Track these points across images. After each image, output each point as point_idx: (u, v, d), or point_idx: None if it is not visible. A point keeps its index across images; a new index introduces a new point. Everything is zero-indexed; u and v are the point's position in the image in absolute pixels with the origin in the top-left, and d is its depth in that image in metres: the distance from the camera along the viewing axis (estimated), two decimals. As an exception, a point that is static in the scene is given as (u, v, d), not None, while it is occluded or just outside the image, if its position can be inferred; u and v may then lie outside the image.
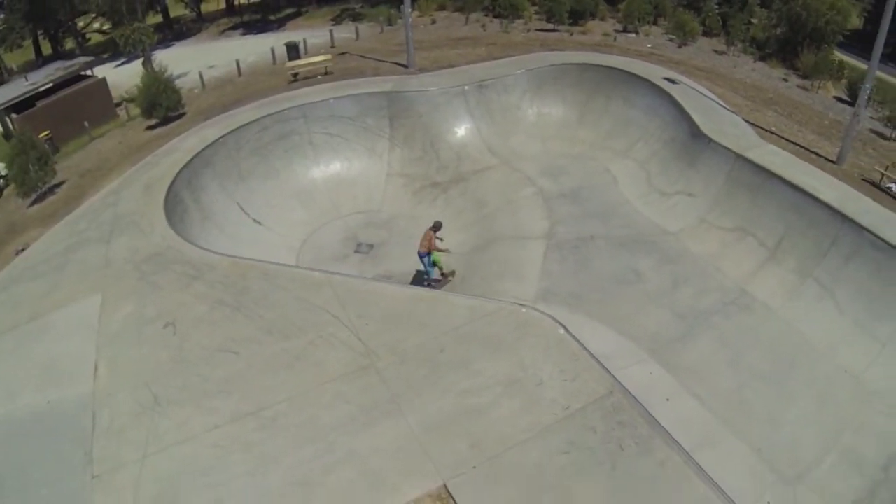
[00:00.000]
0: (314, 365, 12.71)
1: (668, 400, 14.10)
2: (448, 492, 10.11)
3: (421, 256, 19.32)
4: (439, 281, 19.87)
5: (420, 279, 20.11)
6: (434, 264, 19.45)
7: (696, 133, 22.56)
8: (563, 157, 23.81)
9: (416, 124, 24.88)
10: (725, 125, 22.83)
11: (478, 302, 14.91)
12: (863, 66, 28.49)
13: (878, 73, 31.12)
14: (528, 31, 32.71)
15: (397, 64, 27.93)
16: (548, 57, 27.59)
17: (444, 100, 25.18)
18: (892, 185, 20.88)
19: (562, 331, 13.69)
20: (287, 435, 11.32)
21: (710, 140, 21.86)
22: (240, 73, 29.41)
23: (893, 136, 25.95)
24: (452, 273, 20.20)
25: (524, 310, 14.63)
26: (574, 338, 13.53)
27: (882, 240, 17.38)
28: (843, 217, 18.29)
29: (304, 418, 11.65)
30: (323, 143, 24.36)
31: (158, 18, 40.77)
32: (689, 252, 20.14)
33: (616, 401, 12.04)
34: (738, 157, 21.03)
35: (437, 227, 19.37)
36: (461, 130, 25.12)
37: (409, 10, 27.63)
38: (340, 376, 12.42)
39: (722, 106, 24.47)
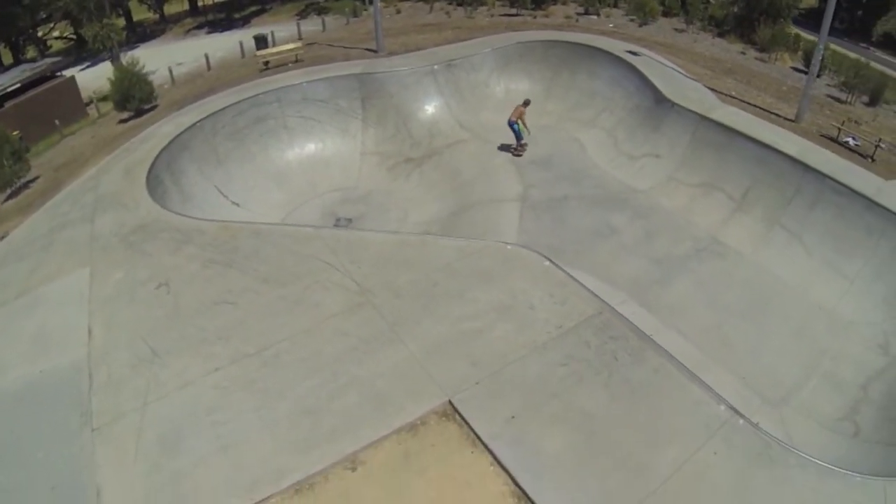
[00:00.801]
0: (312, 307, 12.69)
1: (652, 335, 14.04)
2: (454, 407, 10.26)
3: (511, 125, 22.92)
4: (523, 146, 23.47)
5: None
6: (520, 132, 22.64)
7: (659, 99, 23.23)
8: (531, 128, 23.79)
9: (387, 104, 25.07)
10: (687, 91, 23.49)
11: (464, 242, 14.91)
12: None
13: (835, 47, 32.44)
14: (492, 15, 33.14)
15: (367, 49, 28.02)
16: (513, 37, 27.96)
17: (413, 79, 25.40)
18: (849, 139, 21.67)
19: (547, 263, 14.01)
20: (289, 370, 11.27)
21: (674, 104, 22.60)
22: (209, 67, 29.22)
23: (848, 99, 26.79)
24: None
25: (509, 247, 14.95)
26: (560, 268, 13.86)
27: (842, 185, 18.29)
28: (805, 167, 19.14)
29: (305, 353, 11.59)
30: (297, 126, 24.45)
31: (121, 22, 40.14)
32: (660, 207, 20.73)
33: (606, 319, 12.39)
34: (702, 118, 21.76)
35: (527, 103, 23.04)
36: (432, 108, 25.37)
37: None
38: (339, 314, 12.42)
39: (683, 74, 25.10)
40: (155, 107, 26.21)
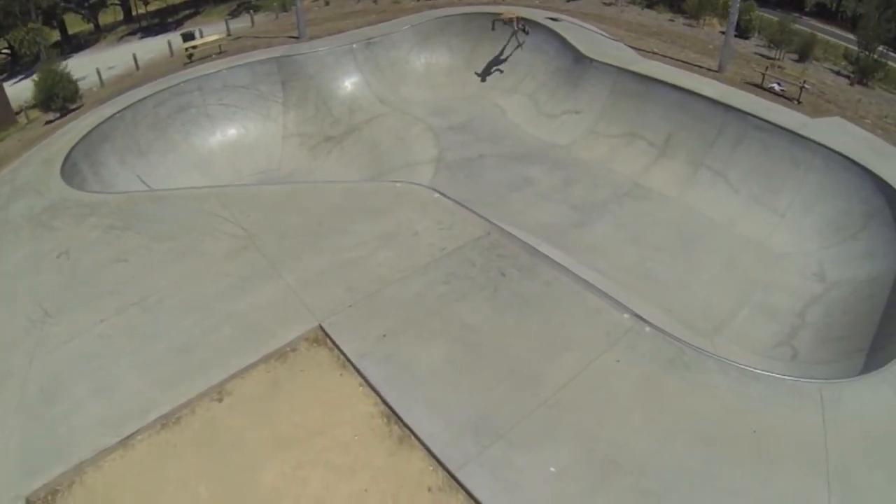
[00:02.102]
0: (199, 255, 11.98)
1: None
2: (324, 331, 9.65)
3: None
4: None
5: None
6: None
7: (578, 58, 22.06)
8: (452, 99, 22.75)
9: (307, 86, 23.59)
10: (607, 49, 22.34)
11: (355, 185, 14.83)
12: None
13: (767, 15, 30.82)
14: (418, 0, 31.25)
15: (290, 37, 26.35)
16: (434, 13, 26.32)
17: (332, 59, 23.92)
18: (774, 84, 20.67)
19: (437, 195, 13.42)
20: (169, 313, 10.51)
21: (592, 60, 21.44)
22: (138, 68, 27.48)
23: (776, 56, 25.94)
24: None
25: (399, 184, 14.36)
26: (449, 198, 13.24)
27: (765, 121, 17.48)
28: (727, 107, 18.24)
29: (186, 296, 10.88)
30: (219, 113, 22.90)
31: (55, 35, 38.27)
32: (579, 159, 19.41)
33: (494, 239, 11.76)
34: (621, 70, 20.63)
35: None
36: (351, 86, 23.81)
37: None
38: (223, 258, 11.74)
39: (604, 36, 24.01)
40: (80, 106, 24.12)
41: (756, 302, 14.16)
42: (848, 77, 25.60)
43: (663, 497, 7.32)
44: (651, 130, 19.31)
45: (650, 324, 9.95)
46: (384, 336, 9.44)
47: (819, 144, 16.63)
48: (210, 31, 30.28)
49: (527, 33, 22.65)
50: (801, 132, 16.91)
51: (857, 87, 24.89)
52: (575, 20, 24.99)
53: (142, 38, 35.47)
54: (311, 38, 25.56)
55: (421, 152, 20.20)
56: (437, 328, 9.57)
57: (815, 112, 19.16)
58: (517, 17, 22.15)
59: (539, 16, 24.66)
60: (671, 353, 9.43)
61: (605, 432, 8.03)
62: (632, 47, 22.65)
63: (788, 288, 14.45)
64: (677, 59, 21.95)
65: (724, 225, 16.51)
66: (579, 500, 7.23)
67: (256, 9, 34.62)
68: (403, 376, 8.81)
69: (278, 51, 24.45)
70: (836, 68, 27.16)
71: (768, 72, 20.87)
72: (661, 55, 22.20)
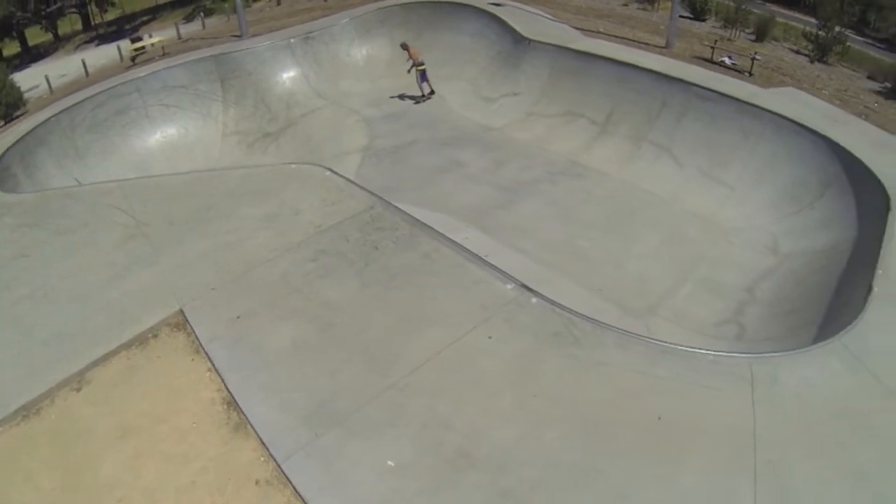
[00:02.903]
0: (91, 247, 11.04)
1: (486, 256, 11.15)
2: (184, 316, 8.78)
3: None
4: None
5: None
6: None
7: (518, 40, 20.34)
8: (392, 90, 21.06)
9: (246, 83, 22.06)
10: (548, 30, 20.61)
11: (251, 169, 14.05)
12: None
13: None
14: None
15: (234, 36, 24.59)
16: (377, 5, 24.19)
17: (270, 55, 22.36)
18: (725, 58, 18.91)
19: (328, 173, 12.48)
20: (53, 304, 9.61)
21: (531, 41, 19.78)
22: (87, 74, 25.72)
23: (731, 35, 23.94)
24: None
25: (293, 166, 13.53)
26: (341, 176, 12.36)
27: (710, 90, 15.80)
28: (670, 79, 16.48)
29: (71, 287, 9.97)
30: (159, 114, 21.47)
31: (17, 47, 36.60)
32: (514, 140, 17.55)
33: (376, 213, 10.81)
34: (559, 48, 18.93)
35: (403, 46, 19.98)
36: (289, 81, 22.20)
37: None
38: (112, 248, 10.82)
39: (548, 18, 22.32)
40: (24, 113, 22.52)
41: (699, 278, 12.29)
42: (808, 56, 23.37)
43: (525, 499, 5.85)
44: (591, 108, 17.50)
45: (538, 294, 8.53)
46: (238, 318, 8.50)
47: (770, 112, 14.91)
48: (162, 34, 28.74)
49: (425, 80, 20.19)
50: (750, 101, 15.20)
51: (817, 65, 22.84)
52: (518, 4, 23.32)
53: (98, 45, 33.82)
54: (253, 36, 23.95)
55: (351, 142, 18.49)
56: (294, 307, 8.64)
57: (769, 84, 17.31)
58: (415, 62, 19.77)
59: (482, 1, 22.89)
60: (558, 326, 7.97)
61: (461, 420, 6.70)
62: (577, 28, 20.85)
63: (737, 262, 12.69)
64: (624, 38, 20.13)
65: (667, 200, 14.57)
66: (418, 501, 5.87)
67: (210, 12, 32.80)
68: (249, 359, 7.87)
69: (217, 49, 22.90)
70: (795, 48, 24.95)
71: (718, 45, 18.96)
72: (608, 34, 20.37)
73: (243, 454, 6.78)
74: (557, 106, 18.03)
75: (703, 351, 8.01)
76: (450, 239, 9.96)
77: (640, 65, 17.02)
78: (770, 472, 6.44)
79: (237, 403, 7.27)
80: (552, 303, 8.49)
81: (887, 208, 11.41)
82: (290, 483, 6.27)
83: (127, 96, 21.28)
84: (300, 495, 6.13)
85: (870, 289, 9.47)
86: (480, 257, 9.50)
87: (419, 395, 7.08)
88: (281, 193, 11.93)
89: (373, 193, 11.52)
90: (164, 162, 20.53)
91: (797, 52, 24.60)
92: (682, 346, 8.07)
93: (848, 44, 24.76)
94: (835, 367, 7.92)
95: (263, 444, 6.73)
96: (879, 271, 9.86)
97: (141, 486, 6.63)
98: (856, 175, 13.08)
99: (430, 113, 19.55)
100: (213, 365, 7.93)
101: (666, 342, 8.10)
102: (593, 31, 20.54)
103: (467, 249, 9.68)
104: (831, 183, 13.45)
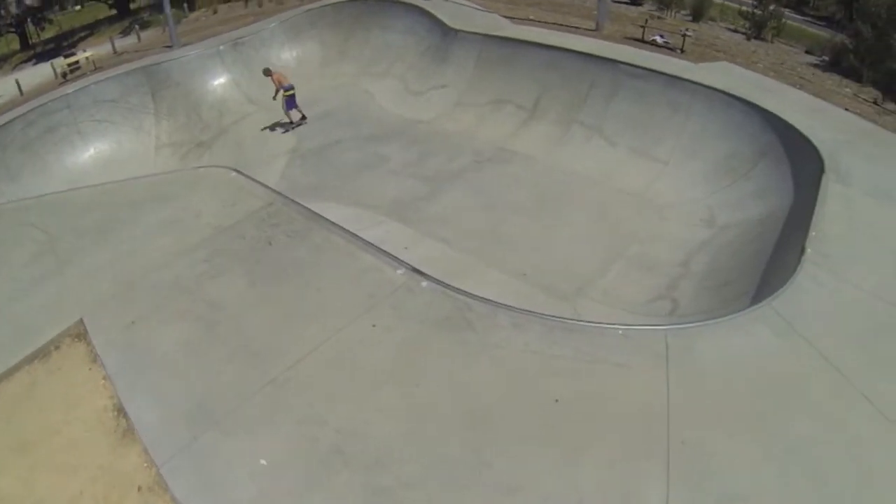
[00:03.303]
0: (3, 265, 10.23)
1: (406, 248, 10.88)
2: (84, 325, 8.04)
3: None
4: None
5: None
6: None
7: (445, 32, 19.46)
8: (323, 90, 20.12)
9: (176, 93, 21.03)
10: (476, 19, 19.84)
11: (159, 177, 13.37)
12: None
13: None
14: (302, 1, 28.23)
15: (165, 47, 23.46)
16: (306, 7, 23.27)
17: (199, 63, 21.36)
18: (656, 37, 18.24)
19: (234, 174, 11.63)
20: None
21: (458, 31, 18.93)
22: (21, 93, 24.38)
23: (666, 16, 23.72)
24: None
25: (201, 170, 13.08)
26: (245, 176, 11.55)
27: (639, 67, 15.12)
28: (598, 59, 15.74)
29: None
30: (91, 130, 20.38)
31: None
32: (442, 131, 16.67)
33: (274, 209, 10.09)
34: (486, 37, 18.10)
35: (266, 72, 18.38)
36: (220, 89, 21.22)
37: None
38: (24, 265, 9.98)
39: (476, 8, 21.51)
40: None
41: (631, 256, 11.48)
42: (745, 34, 22.68)
43: (400, 498, 5.22)
44: (520, 94, 16.66)
45: (429, 277, 7.80)
46: (132, 323, 7.89)
47: (700, 85, 14.29)
48: (97, 50, 27.46)
49: (293, 107, 18.53)
50: (680, 76, 14.59)
51: (754, 42, 22.14)
52: (451, -1, 22.21)
53: (35, 63, 32.46)
54: (184, 46, 22.85)
55: (280, 145, 17.54)
56: (184, 309, 8.01)
57: (701, 60, 16.65)
58: (280, 86, 18.22)
59: (413, -3, 21.77)
60: (448, 310, 7.23)
61: (337, 415, 6.09)
62: (507, 17, 20.05)
63: (671, 238, 11.90)
64: (555, 24, 19.32)
65: (598, 180, 13.76)
66: (288, 501, 5.33)
67: (146, 25, 31.62)
68: (138, 364, 7.25)
69: (147, 61, 21.84)
70: (732, 27, 24.26)
71: (650, 24, 18.13)
72: (538, 21, 19.57)
73: (129, 460, 6.28)
74: (486, 95, 17.18)
75: (611, 325, 7.20)
76: (343, 229, 9.24)
77: (567, 47, 16.30)
78: (685, 455, 5.66)
79: (124, 410, 6.69)
80: (445, 286, 7.71)
81: (821, 171, 10.83)
82: (168, 488, 5.72)
83: (57, 113, 20.15)
84: (176, 500, 5.56)
85: (802, 250, 8.81)
86: (372, 244, 8.76)
87: (296, 390, 6.46)
88: (184, 198, 11.10)
89: (273, 190, 10.71)
90: (98, 178, 18.95)
91: (734, 31, 23.93)
92: (586, 321, 7.40)
93: (784, 20, 24.07)
94: (763, 334, 7.19)
95: (146, 449, 6.18)
96: (813, 233, 9.22)
97: (33, 499, 6.14)
98: (790, 142, 12.43)
99: (358, 111, 18.66)
100: (107, 372, 7.31)
101: (569, 319, 7.35)
102: (523, 19, 19.79)
103: (360, 238, 8.97)
104: (766, 152, 12.77)
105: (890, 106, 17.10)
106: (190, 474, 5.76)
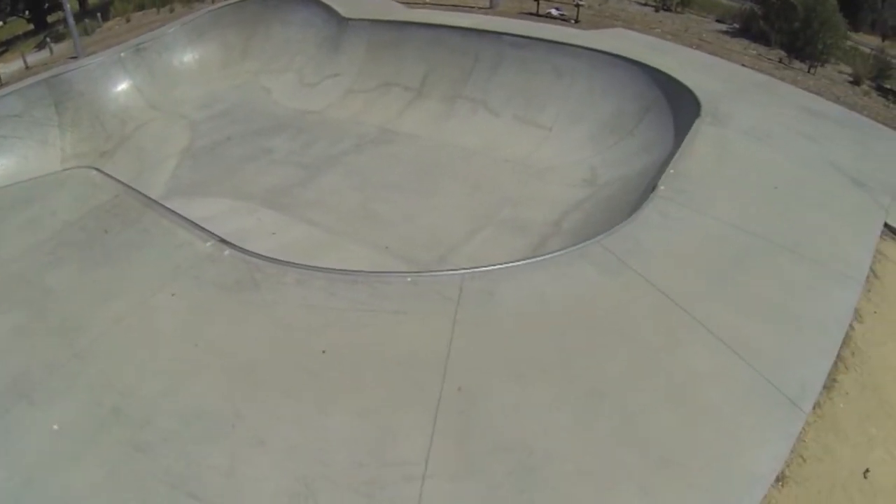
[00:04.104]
0: None
1: (273, 234, 10.74)
2: None
3: None
4: None
5: None
6: None
7: (339, 21, 18.91)
8: (225, 90, 19.56)
9: (79, 103, 20.05)
10: (368, 7, 19.25)
11: (26, 182, 12.54)
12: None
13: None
14: (213, 1, 27.20)
15: (70, 58, 22.27)
16: (208, 9, 22.34)
17: (101, 72, 20.44)
18: (552, 10, 17.48)
19: (94, 172, 11.38)
20: None
21: (348, 20, 18.44)
22: (-71, 124, 23.03)
23: None
24: None
25: (66, 171, 13.34)
26: (104, 173, 11.16)
27: (521, 36, 14.62)
28: (481, 33, 15.33)
29: None
30: None
31: None
32: (331, 119, 16.07)
33: (118, 200, 9.89)
34: (374, 22, 17.66)
35: None
36: (122, 96, 20.33)
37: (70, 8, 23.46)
38: None
39: None
40: None
41: (501, 220, 11.00)
42: (654, 6, 22.06)
43: (156, 452, 5.18)
44: (407, 75, 16.20)
45: (233, 246, 7.76)
46: None
47: (582, 48, 13.89)
48: (8, 68, 26.36)
49: None
50: (563, 41, 14.24)
51: (662, 13, 21.47)
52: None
53: (-56, 81, 31.17)
54: (90, 55, 21.81)
55: (173, 146, 16.94)
56: (21, 298, 7.83)
57: (595, 29, 16.38)
58: None
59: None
60: (241, 273, 7.23)
61: (121, 379, 6.08)
62: (402, 2, 19.51)
63: (549, 199, 11.39)
64: (450, 5, 18.76)
65: (479, 151, 13.29)
66: (65, 459, 5.28)
67: (60, 38, 30.36)
68: None
69: (50, 72, 20.77)
70: (642, 1, 23.58)
71: (541, -2, 17.26)
72: (434, 3, 18.83)
73: None
74: (375, 79, 16.73)
75: (398, 273, 7.16)
76: (172, 211, 9.11)
77: (452, 24, 15.94)
78: (459, 403, 5.30)
79: None
80: (243, 251, 7.73)
81: (696, 116, 10.68)
82: None
83: (-41, 130, 19.29)
84: None
85: (653, 188, 8.56)
86: (192, 222, 8.64)
87: (94, 360, 6.39)
88: (46, 199, 10.93)
89: (121, 183, 10.50)
90: (2, 197, 18.49)
91: (644, 5, 23.32)
92: (371, 272, 7.12)
93: (692, -10, 23.54)
94: (585, 272, 6.84)
95: None
96: (671, 171, 8.98)
97: None
98: (674, 95, 12.13)
99: (253, 107, 18.03)
100: None
101: (353, 271, 7.06)
102: (418, 3, 19.36)
103: (184, 217, 8.82)
104: (650, 108, 12.43)
105: (795, 65, 16.67)
106: None
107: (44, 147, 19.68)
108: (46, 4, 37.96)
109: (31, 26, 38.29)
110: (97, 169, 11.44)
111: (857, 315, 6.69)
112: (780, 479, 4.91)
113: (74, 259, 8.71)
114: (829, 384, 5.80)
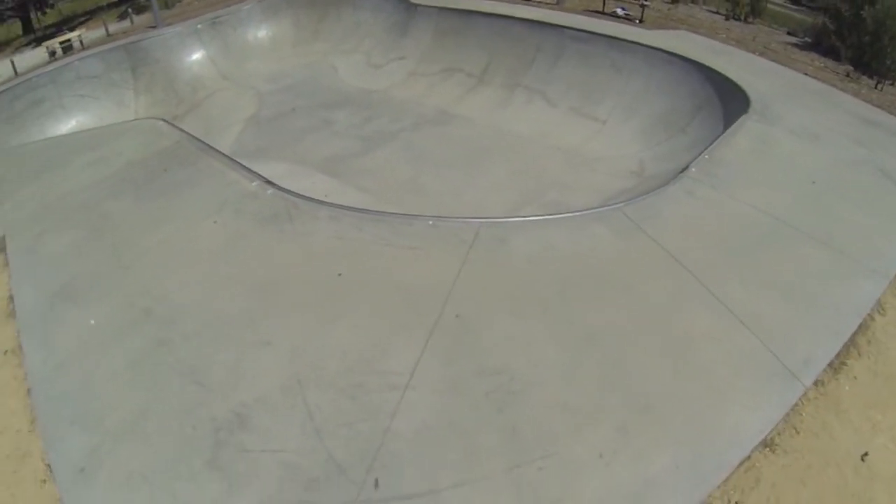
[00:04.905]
0: None
1: (326, 196, 10.34)
2: (4, 241, 8.52)
3: None
4: None
5: None
6: None
7: (408, 7, 19.62)
8: (294, 67, 20.35)
9: (155, 69, 21.32)
10: None
11: (99, 129, 13.92)
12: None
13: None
14: None
15: (149, 28, 23.28)
16: (284, -12, 23.18)
17: (177, 41, 21.63)
18: (617, 8, 18.02)
19: (161, 123, 12.28)
20: None
21: (417, 6, 19.09)
22: (16, 73, 24.35)
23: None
24: None
25: (135, 121, 14.68)
26: (169, 123, 12.22)
27: (582, 31, 15.12)
28: (543, 25, 15.74)
29: None
30: (74, 104, 20.43)
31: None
32: (391, 99, 16.69)
33: (180, 146, 10.77)
34: (441, 10, 18.24)
35: None
36: (196, 66, 21.45)
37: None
38: None
39: None
40: None
41: (545, 202, 11.20)
42: (725, 15, 22.04)
43: (178, 345, 5.97)
44: (470, 62, 16.69)
45: (276, 186, 8.55)
46: (39, 234, 8.54)
47: (639, 45, 14.24)
48: (89, 35, 27.61)
49: None
50: (622, 37, 14.59)
51: (732, 22, 21.38)
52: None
53: (35, 47, 32.74)
54: (167, 26, 22.87)
55: (240, 114, 17.82)
56: (80, 221, 8.65)
57: (659, 29, 16.47)
58: None
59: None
60: (279, 208, 8.04)
61: (157, 287, 6.87)
62: None
63: (593, 187, 11.62)
64: (513, 2, 18.50)
65: (532, 138, 13.66)
66: (95, 348, 6.12)
67: (141, 10, 31.70)
68: (32, 263, 7.88)
69: (129, 39, 22.10)
70: (713, 9, 23.55)
71: (612, -4, 17.64)
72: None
73: (5, 333, 6.84)
74: (438, 64, 17.25)
75: (421, 216, 7.57)
76: (226, 156, 9.95)
77: (516, 15, 16.39)
78: (455, 329, 5.82)
79: (13, 297, 7.30)
80: (285, 191, 8.47)
81: (744, 112, 10.92)
82: (22, 347, 6.45)
83: (42, 88, 20.35)
84: (22, 349, 6.35)
85: (686, 168, 8.99)
86: (242, 165, 9.42)
87: (137, 271, 7.26)
88: (113, 144, 11.69)
89: (185, 132, 11.39)
90: (79, 151, 19.70)
91: (715, 13, 23.30)
92: (398, 213, 7.74)
93: (766, 1, 23.36)
94: (599, 232, 7.28)
95: (18, 322, 6.87)
96: (706, 156, 9.39)
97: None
98: (727, 95, 12.31)
99: (320, 84, 18.75)
100: (10, 272, 7.91)
101: (384, 212, 7.78)
102: (485, -6, 19.30)
103: (236, 161, 9.62)
104: (703, 106, 12.63)
105: (863, 80, 16.55)
106: (38, 334, 6.54)
107: (119, 108, 20.90)
108: (129, -24, 39.53)
109: (113, -2, 39.93)
110: (164, 119, 12.38)
111: (880, 307, 6.75)
112: (769, 445, 5.10)
113: (132, 192, 9.59)
114: (838, 366, 5.91)
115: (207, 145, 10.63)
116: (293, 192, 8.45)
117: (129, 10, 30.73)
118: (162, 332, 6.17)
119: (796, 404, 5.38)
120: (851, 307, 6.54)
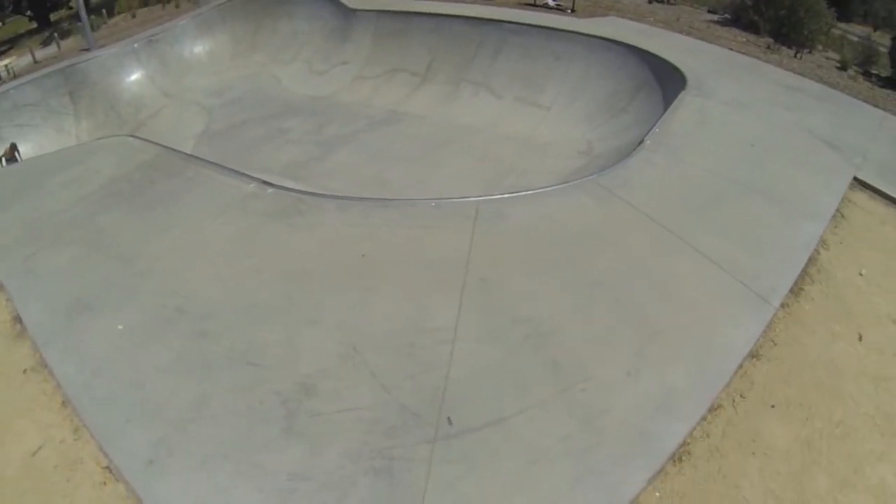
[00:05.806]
0: None
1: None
2: None
3: None
4: None
5: None
6: None
7: (346, 13, 20.13)
8: (236, 80, 20.54)
9: (94, 92, 21.07)
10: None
11: (67, 150, 13.85)
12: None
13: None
14: None
15: (82, 51, 23.14)
16: (217, 2, 23.29)
17: (115, 62, 21.48)
18: (548, 0, 17.34)
19: (131, 139, 12.24)
20: None
21: (355, 10, 19.66)
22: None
23: None
24: None
25: (104, 139, 13.41)
26: (142, 139, 12.10)
27: (520, 23, 16.02)
28: (482, 21, 16.67)
29: None
30: (13, 135, 19.66)
31: None
32: (340, 104, 17.23)
33: (160, 158, 10.89)
34: (380, 12, 18.94)
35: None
36: (136, 86, 21.32)
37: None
38: None
39: None
40: None
41: (506, 187, 11.88)
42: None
43: (221, 334, 6.20)
44: (413, 62, 17.46)
45: (276, 186, 8.91)
46: (33, 254, 8.44)
47: (577, 34, 15.19)
48: (18, 63, 27.19)
49: None
50: (560, 27, 15.58)
51: (656, 5, 22.54)
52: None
53: (-29, 80, 32.04)
54: (101, 48, 22.79)
55: (189, 130, 17.92)
56: (75, 237, 8.64)
57: (590, 17, 17.46)
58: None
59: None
60: (285, 204, 8.38)
61: (183, 287, 6.99)
62: None
63: (548, 169, 12.42)
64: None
65: (483, 129, 14.47)
66: (132, 349, 6.24)
67: (66, 34, 31.27)
68: (32, 281, 7.80)
69: (65, 63, 21.78)
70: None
71: (543, -12, 18.45)
72: (438, -2, 19.55)
73: (20, 352, 6.83)
74: (382, 66, 17.88)
75: (423, 199, 8.17)
76: (212, 163, 10.15)
77: (455, 13, 17.15)
78: (481, 289, 6.48)
79: (20, 317, 7.27)
80: (285, 189, 8.83)
81: (682, 88, 12.02)
82: (46, 362, 6.42)
83: (-23, 121, 20.18)
84: (47, 363, 6.31)
85: (641, 142, 9.85)
86: (233, 170, 9.69)
87: (157, 275, 7.34)
88: (86, 162, 11.73)
89: (161, 145, 11.47)
90: (21, 185, 19.42)
91: (642, -1, 24.40)
92: (401, 199, 8.45)
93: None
94: (581, 200, 8.09)
95: (33, 340, 6.84)
96: (656, 129, 10.32)
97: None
98: (663, 74, 13.30)
99: (265, 94, 19.09)
100: (8, 293, 7.84)
101: (385, 198, 8.41)
102: (423, -3, 20.03)
103: (225, 167, 9.87)
104: (642, 86, 13.58)
105: (783, 51, 17.69)
106: (61, 345, 6.54)
107: (59, 134, 20.59)
108: (49, 2, 38.82)
109: (33, 25, 39.06)
110: (134, 136, 12.52)
111: (823, 243, 7.90)
112: (755, 355, 6.06)
113: (123, 205, 9.63)
114: (797, 291, 6.98)
115: (190, 155, 10.93)
116: (295, 189, 8.76)
117: (55, 34, 30.36)
118: (202, 325, 6.31)
119: (771, 322, 6.40)
120: (800, 244, 7.65)
